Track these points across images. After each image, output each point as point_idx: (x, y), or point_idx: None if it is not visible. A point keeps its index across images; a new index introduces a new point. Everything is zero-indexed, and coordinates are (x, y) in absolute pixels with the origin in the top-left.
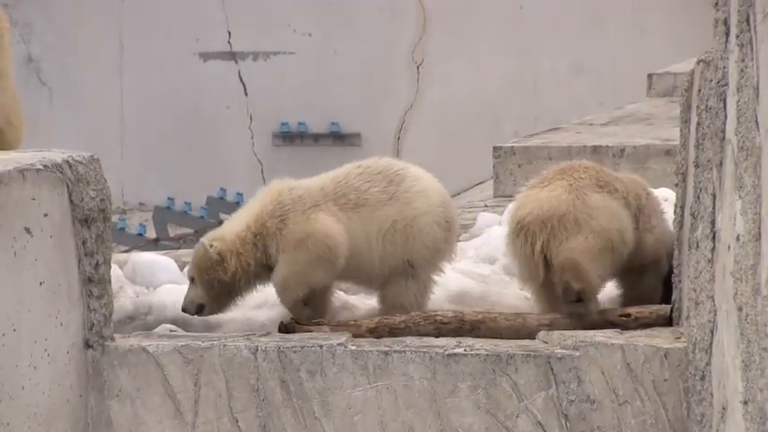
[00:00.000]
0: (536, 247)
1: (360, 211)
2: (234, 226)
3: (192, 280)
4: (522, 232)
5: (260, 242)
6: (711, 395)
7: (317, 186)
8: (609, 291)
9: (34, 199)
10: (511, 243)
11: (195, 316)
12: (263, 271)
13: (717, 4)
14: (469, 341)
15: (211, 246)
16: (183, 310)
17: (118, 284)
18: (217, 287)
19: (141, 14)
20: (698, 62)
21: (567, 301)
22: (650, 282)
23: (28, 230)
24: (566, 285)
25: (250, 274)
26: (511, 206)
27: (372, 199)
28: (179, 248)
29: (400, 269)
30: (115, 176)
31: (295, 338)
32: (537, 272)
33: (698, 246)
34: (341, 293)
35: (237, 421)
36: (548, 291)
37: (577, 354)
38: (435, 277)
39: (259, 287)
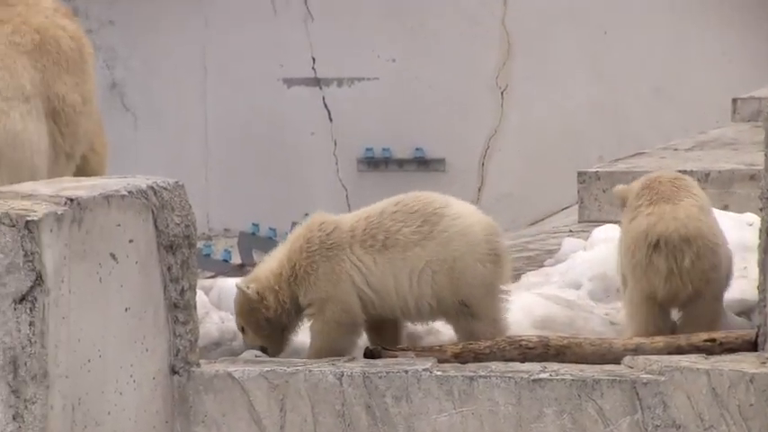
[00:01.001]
0: (684, 264)
1: (388, 252)
2: (267, 265)
3: (242, 330)
4: (664, 248)
5: (293, 283)
6: None
7: (349, 225)
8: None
9: (119, 225)
10: (645, 257)
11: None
12: (300, 308)
13: None
14: (555, 366)
15: (248, 287)
16: None
17: (203, 310)
18: (265, 327)
19: (225, 40)
20: None
21: None
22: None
23: (113, 256)
24: None
25: (289, 310)
26: (636, 223)
27: (403, 240)
28: None
29: (455, 310)
30: (200, 202)
31: (380, 364)
32: (685, 287)
33: None
34: None
35: None
36: (667, 311)
37: (663, 379)
38: (501, 305)
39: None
